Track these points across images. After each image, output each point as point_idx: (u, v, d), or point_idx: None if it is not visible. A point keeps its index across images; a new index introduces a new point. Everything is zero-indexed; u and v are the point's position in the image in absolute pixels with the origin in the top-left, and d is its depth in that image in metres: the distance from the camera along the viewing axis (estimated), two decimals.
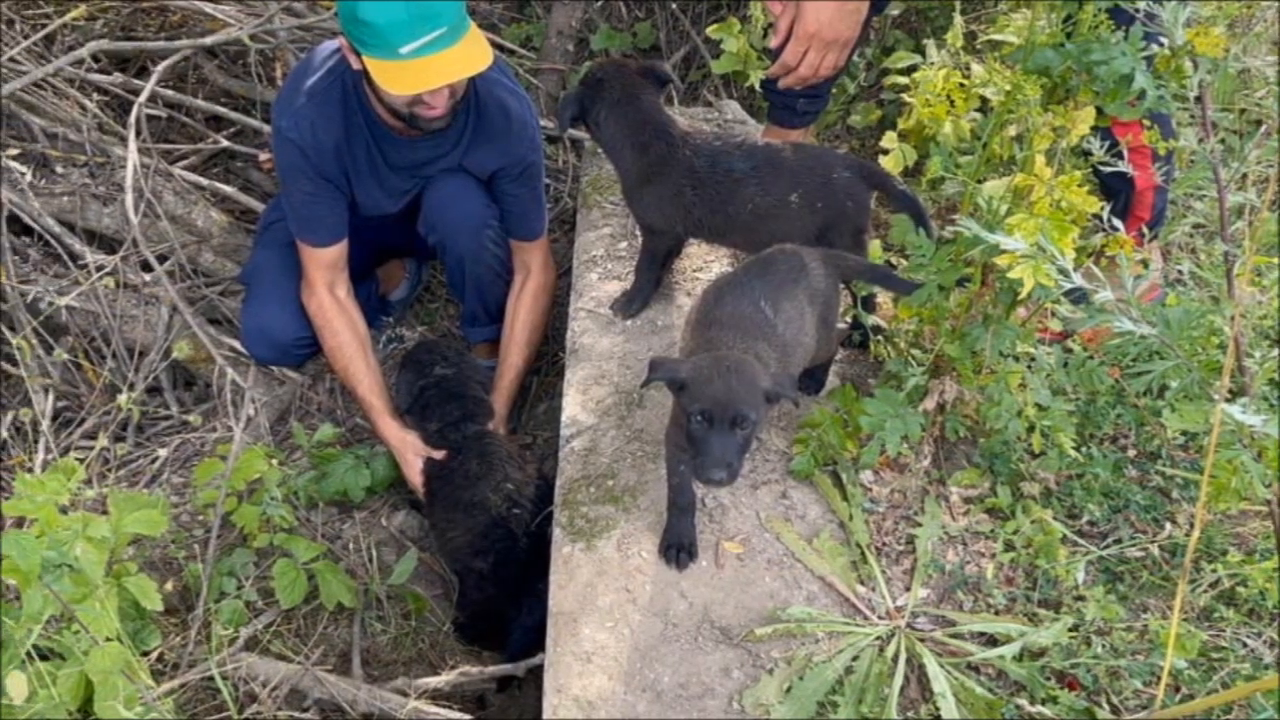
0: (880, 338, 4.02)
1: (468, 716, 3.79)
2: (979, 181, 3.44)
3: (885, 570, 3.52)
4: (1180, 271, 4.50)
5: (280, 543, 4.38)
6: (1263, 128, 5.26)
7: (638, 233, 4.66)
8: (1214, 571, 3.42)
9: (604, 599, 3.46)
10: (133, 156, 5.24)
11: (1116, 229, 3.14)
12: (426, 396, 4.84)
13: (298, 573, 4.30)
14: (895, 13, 5.88)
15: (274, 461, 4.42)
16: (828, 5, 4.05)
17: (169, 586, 3.84)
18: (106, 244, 5.37)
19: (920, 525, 3.60)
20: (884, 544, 3.62)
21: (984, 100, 3.69)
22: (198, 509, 4.63)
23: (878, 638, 3.30)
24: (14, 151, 5.26)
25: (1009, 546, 3.53)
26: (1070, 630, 3.26)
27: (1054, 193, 3.18)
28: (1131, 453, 3.85)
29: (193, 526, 4.69)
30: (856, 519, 3.63)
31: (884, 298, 4.19)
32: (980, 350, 3.43)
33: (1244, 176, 4.67)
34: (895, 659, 3.23)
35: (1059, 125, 3.24)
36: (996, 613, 3.37)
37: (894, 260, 4.32)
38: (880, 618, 3.37)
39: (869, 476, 3.79)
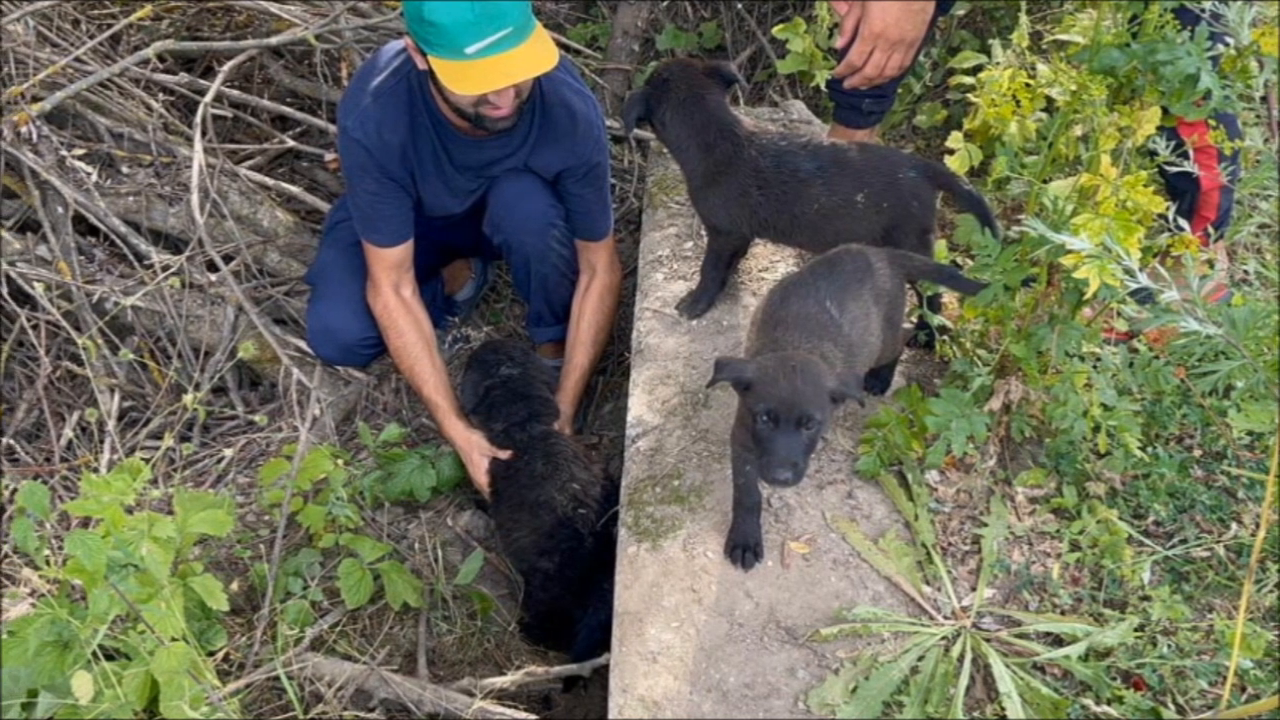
0: (946, 338, 4.01)
1: (533, 716, 3.79)
2: (1044, 181, 3.41)
3: (951, 570, 3.50)
4: (1246, 271, 4.49)
5: (346, 543, 4.38)
6: None
7: (703, 233, 4.66)
8: None
9: (669, 599, 3.45)
10: (198, 156, 5.27)
11: (1182, 229, 3.15)
12: (492, 396, 4.84)
13: (363, 573, 4.30)
14: (961, 12, 5.85)
15: (339, 461, 4.44)
16: (894, 5, 4.05)
17: (234, 586, 3.89)
18: (172, 244, 5.39)
19: (986, 525, 3.58)
20: (949, 544, 3.60)
21: (1049, 100, 3.69)
22: (263, 509, 4.66)
23: (943, 638, 3.27)
24: (80, 151, 5.27)
25: (1074, 546, 3.50)
26: (1136, 630, 3.24)
27: (1119, 193, 3.16)
28: (1197, 452, 3.83)
29: (258, 526, 4.71)
30: (922, 519, 3.61)
31: (950, 298, 4.19)
32: (1046, 350, 3.42)
33: None
34: (961, 659, 3.21)
35: (1124, 125, 3.22)
36: (1062, 613, 3.34)
37: (959, 260, 4.30)
38: (946, 618, 3.35)
39: (934, 476, 3.76)
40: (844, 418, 3.99)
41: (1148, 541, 3.53)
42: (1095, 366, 3.47)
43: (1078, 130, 3.39)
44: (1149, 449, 3.70)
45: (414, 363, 4.92)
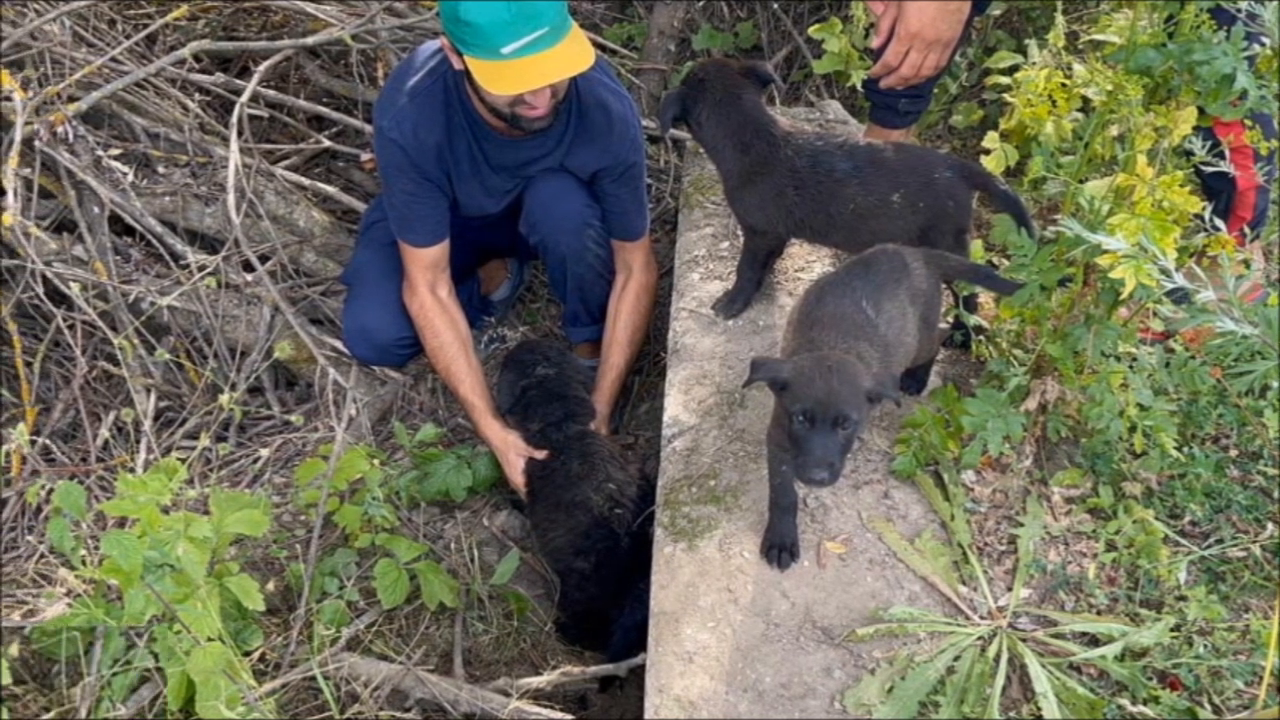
0: (982, 338, 3.98)
1: (569, 717, 3.80)
2: (1081, 181, 3.42)
3: (987, 570, 3.50)
4: None
5: (382, 543, 4.38)
6: None
7: (739, 233, 4.63)
8: None
9: (705, 599, 3.46)
10: (234, 156, 5.27)
11: (1218, 229, 3.16)
12: (529, 396, 4.85)
13: (400, 573, 4.31)
14: (997, 13, 5.85)
15: (375, 461, 4.42)
16: (930, 5, 4.04)
17: (270, 587, 3.85)
18: (208, 244, 5.40)
19: (1022, 525, 3.57)
20: (986, 544, 3.59)
21: (1086, 100, 3.70)
22: (299, 509, 4.67)
23: (980, 638, 3.27)
24: (116, 151, 5.28)
25: (1111, 546, 3.49)
26: (1172, 630, 3.24)
27: (1156, 193, 3.20)
28: (1233, 453, 3.82)
29: (294, 526, 4.70)
30: (958, 519, 3.60)
31: (986, 297, 4.18)
32: (1082, 350, 3.41)
33: None
34: (997, 659, 3.20)
35: (1161, 125, 3.24)
36: (1098, 613, 3.34)
37: (996, 260, 4.32)
38: (982, 618, 3.34)
39: (970, 476, 3.76)
40: (880, 418, 3.98)
41: (1184, 541, 3.52)
42: (1131, 366, 3.47)
43: (1114, 130, 3.40)
44: (1185, 449, 3.70)
45: (450, 362, 4.93)
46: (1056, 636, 3.26)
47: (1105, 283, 3.19)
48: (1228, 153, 3.26)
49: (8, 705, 3.68)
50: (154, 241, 5.22)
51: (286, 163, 6.04)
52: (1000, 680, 3.15)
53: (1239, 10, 2.98)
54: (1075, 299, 3.44)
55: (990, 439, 3.51)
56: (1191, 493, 3.65)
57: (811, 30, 5.08)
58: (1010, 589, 3.43)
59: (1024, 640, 3.25)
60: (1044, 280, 3.38)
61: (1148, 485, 3.65)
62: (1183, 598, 3.34)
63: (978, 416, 3.53)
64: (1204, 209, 3.18)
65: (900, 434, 3.81)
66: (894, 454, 3.80)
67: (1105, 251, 2.99)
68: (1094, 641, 3.24)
